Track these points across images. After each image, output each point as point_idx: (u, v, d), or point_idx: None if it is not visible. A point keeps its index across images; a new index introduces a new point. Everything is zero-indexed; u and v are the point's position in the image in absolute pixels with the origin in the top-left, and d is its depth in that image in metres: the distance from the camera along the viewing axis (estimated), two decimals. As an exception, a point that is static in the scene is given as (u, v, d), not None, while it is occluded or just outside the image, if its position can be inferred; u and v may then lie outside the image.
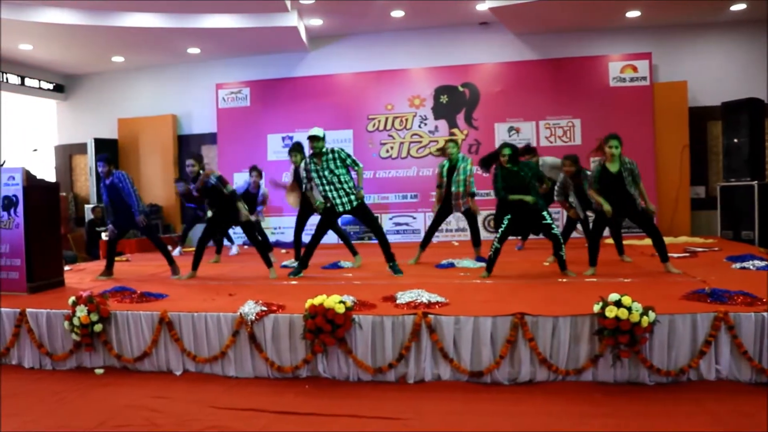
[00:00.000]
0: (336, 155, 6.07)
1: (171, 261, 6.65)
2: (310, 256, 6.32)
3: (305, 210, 7.23)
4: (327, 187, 6.07)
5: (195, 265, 6.46)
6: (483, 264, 6.64)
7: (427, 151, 10.22)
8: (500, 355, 3.86)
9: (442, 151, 7.06)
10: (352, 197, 6.10)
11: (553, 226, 5.63)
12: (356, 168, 6.17)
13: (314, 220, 7.13)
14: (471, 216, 6.95)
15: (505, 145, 5.75)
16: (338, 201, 6.10)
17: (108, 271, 6.64)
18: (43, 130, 12.24)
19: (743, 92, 9.07)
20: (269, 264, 6.42)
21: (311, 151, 6.14)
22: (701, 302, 4.04)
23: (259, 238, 7.32)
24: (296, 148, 7.25)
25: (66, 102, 12.09)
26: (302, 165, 6.36)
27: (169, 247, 9.14)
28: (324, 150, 6.07)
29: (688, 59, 9.81)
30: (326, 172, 6.04)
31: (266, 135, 10.80)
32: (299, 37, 9.91)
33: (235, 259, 8.49)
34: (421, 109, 10.40)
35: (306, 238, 7.16)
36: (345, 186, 6.08)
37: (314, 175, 6.12)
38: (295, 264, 7.15)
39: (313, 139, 6.03)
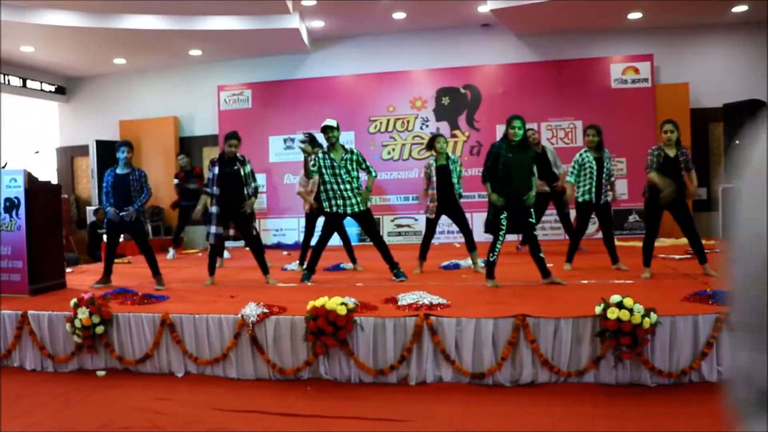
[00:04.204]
0: (356, 157, 5.93)
1: (156, 272, 5.97)
2: (317, 261, 6.15)
3: (315, 212, 6.98)
4: (338, 186, 5.86)
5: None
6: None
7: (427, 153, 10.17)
8: (502, 356, 3.86)
9: (431, 146, 6.48)
10: (360, 200, 5.92)
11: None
12: (371, 174, 5.99)
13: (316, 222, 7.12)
14: (462, 217, 6.36)
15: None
16: (347, 202, 5.90)
17: (105, 278, 6.11)
18: (45, 132, 12.23)
19: (745, 94, 9.05)
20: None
21: (327, 143, 5.93)
22: (703, 304, 4.05)
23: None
24: (312, 139, 6.59)
25: (68, 104, 12.10)
26: (313, 157, 5.97)
27: (171, 250, 9.29)
28: (345, 147, 5.95)
29: (689, 61, 9.80)
30: (342, 171, 5.87)
31: (268, 137, 10.80)
32: (301, 39, 9.91)
33: (234, 261, 8.47)
34: (423, 110, 10.38)
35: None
36: (356, 189, 5.92)
37: (325, 171, 5.87)
38: (293, 267, 7.17)
39: (328, 129, 5.86)
